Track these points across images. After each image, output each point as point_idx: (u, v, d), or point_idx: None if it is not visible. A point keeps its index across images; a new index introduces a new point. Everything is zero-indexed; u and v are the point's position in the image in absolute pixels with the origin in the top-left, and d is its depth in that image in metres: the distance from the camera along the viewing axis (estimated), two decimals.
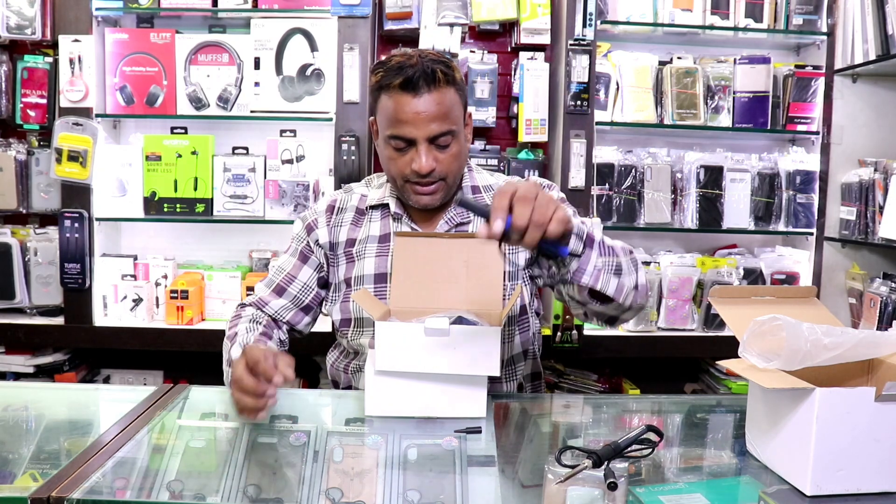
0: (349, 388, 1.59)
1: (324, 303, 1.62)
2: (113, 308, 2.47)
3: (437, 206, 1.52)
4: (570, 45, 2.41)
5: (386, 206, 1.57)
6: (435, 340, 1.21)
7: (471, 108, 2.11)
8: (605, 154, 2.53)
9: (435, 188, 1.47)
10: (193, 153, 2.46)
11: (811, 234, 2.57)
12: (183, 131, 2.48)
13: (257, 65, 2.46)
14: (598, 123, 2.47)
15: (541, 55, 2.54)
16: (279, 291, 1.58)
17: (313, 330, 2.24)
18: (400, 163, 1.45)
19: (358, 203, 1.59)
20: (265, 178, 2.47)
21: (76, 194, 2.39)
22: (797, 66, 2.56)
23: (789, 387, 1.00)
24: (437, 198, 1.49)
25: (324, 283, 1.60)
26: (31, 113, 2.46)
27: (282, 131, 2.47)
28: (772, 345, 1.06)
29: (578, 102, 2.42)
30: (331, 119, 2.43)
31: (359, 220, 1.58)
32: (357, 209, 1.59)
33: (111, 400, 1.51)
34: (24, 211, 2.50)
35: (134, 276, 2.48)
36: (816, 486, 0.99)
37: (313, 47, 2.46)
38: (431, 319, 1.21)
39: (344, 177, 2.33)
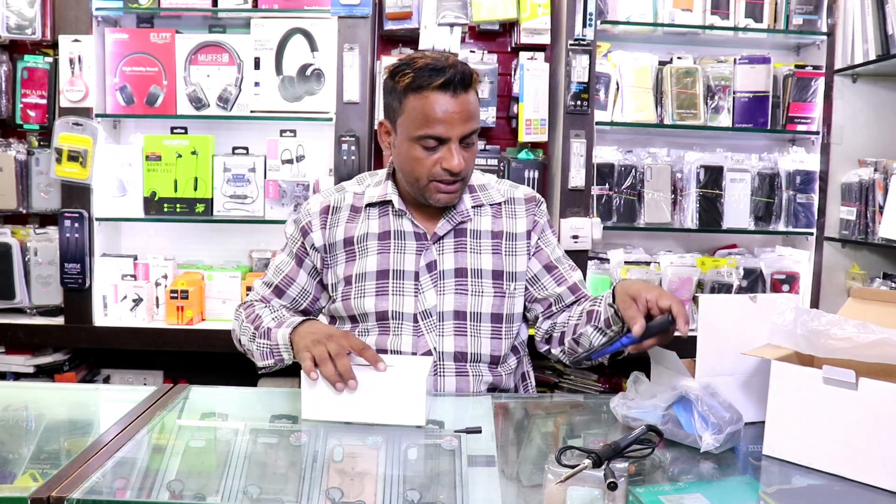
0: None
1: (319, 301, 1.64)
2: (113, 308, 2.47)
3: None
4: (570, 45, 2.40)
5: (384, 203, 1.58)
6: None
7: None
8: (605, 154, 2.53)
9: (457, 187, 1.50)
10: (193, 153, 2.46)
11: (811, 234, 2.57)
12: (183, 131, 2.48)
13: (257, 65, 2.46)
14: (598, 123, 2.47)
15: (541, 55, 2.54)
16: (278, 293, 1.61)
17: None
18: (428, 162, 1.46)
19: (353, 201, 1.60)
20: (265, 178, 2.47)
21: (76, 194, 2.39)
22: (797, 66, 2.55)
23: (770, 357, 1.16)
24: (457, 196, 1.52)
25: (320, 285, 1.62)
26: (31, 113, 2.46)
27: (282, 131, 2.47)
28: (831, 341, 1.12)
29: (578, 102, 2.42)
30: (331, 119, 2.43)
31: (354, 217, 1.58)
32: (352, 207, 1.60)
33: (111, 400, 1.52)
34: (24, 211, 2.49)
35: (134, 276, 2.47)
36: (770, 448, 1.15)
37: (313, 47, 2.46)
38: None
39: (344, 177, 2.32)
